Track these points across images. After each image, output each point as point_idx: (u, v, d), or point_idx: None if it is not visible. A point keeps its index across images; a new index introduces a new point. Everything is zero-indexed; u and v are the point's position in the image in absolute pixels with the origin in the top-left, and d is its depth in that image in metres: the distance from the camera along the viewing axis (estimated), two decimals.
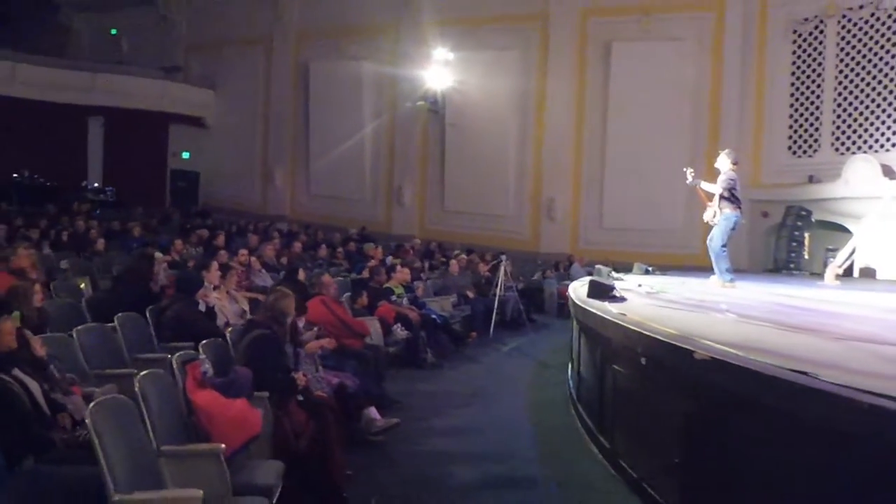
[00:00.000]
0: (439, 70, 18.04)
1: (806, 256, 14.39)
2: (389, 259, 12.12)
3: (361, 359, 6.29)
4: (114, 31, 22.55)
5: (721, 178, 8.24)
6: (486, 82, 17.97)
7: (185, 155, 22.28)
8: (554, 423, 6.36)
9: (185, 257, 10.24)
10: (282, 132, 21.75)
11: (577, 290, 7.15)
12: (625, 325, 4.72)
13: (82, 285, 8.22)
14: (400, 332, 8.24)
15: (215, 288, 6.54)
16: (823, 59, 15.45)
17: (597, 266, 9.78)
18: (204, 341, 4.45)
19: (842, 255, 11.31)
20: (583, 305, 6.11)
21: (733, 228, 8.33)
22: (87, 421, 2.75)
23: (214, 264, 6.60)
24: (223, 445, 3.28)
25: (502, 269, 11.39)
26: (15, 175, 18.33)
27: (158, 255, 9.05)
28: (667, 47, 16.78)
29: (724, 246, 8.41)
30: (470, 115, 18.48)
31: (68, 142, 19.58)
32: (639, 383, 4.62)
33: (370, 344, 6.95)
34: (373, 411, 5.53)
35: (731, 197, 8.20)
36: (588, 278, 7.41)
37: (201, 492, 2.73)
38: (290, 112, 21.56)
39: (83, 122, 20.13)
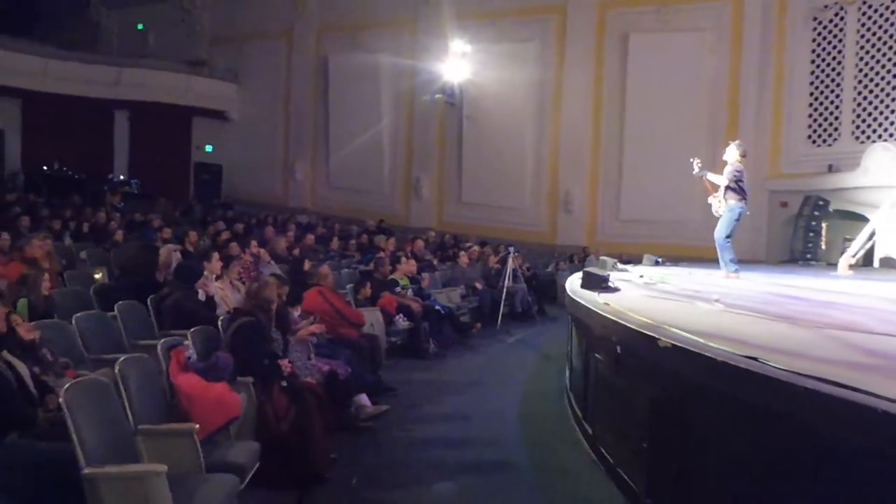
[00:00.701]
0: (457, 62, 18.11)
1: (823, 247, 14.25)
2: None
3: (356, 347, 6.46)
4: (140, 27, 23.02)
5: (727, 170, 8.25)
6: (503, 74, 18.00)
7: (209, 148, 22.71)
8: (546, 412, 6.47)
9: (201, 248, 10.50)
10: (303, 125, 22.05)
11: (573, 281, 7.24)
12: (603, 314, 4.81)
13: (98, 275, 8.50)
14: (402, 322, 8.40)
15: (218, 278, 6.76)
16: (844, 46, 15.21)
17: (602, 257, 9.83)
18: (194, 328, 4.64)
19: (855, 245, 11.16)
20: (572, 296, 6.21)
21: (738, 220, 8.37)
22: (60, 400, 2.94)
23: (215, 255, 6.82)
24: (196, 426, 3.47)
25: (510, 261, 11.49)
26: (45, 167, 18.92)
27: (169, 245, 9.34)
28: (685, 38, 16.66)
29: (728, 237, 8.45)
30: (487, 107, 18.54)
31: (95, 135, 20.16)
32: (615, 371, 4.71)
33: (367, 333, 7.12)
34: (363, 398, 5.70)
35: (736, 188, 8.20)
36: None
37: (165, 466, 2.91)
38: (311, 105, 21.84)
39: (109, 115, 20.65)
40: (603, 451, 4.89)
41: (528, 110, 18.67)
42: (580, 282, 6.67)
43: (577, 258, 16.27)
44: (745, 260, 14.77)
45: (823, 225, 14.28)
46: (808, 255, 14.04)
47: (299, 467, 4.30)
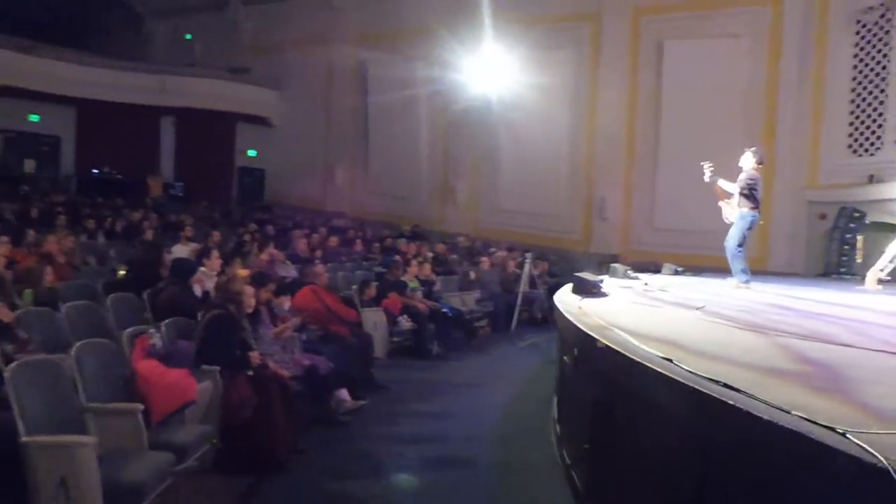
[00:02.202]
0: (492, 69, 18.17)
1: (859, 260, 13.71)
2: (429, 255, 12.42)
3: (345, 344, 6.63)
4: (188, 36, 23.89)
5: (741, 177, 8.16)
6: (538, 81, 17.96)
7: (252, 153, 23.36)
8: (531, 413, 6.52)
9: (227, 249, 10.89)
10: (342, 131, 22.45)
11: (566, 287, 7.25)
12: (568, 317, 4.86)
13: (122, 271, 8.96)
14: (405, 323, 8.55)
15: (219, 275, 7.02)
16: (889, 49, 14.61)
17: (613, 264, 9.80)
18: (168, 319, 4.90)
19: (884, 259, 10.74)
20: (555, 301, 6.24)
21: (749, 228, 8.23)
22: (5, 374, 3.20)
23: (215, 253, 7.10)
24: (140, 406, 3.71)
25: (527, 266, 11.50)
26: (95, 170, 19.89)
27: (193, 244, 9.76)
28: (721, 44, 16.35)
29: (740, 246, 8.30)
30: (522, 114, 18.52)
31: (143, 140, 20.99)
32: (573, 373, 4.76)
33: (360, 332, 7.29)
34: (343, 393, 5.86)
35: (749, 195, 8.08)
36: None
37: (94, 439, 3.14)
38: (350, 111, 22.21)
39: (156, 121, 21.49)
40: (564, 451, 4.94)
41: (562, 117, 18.60)
42: (570, 287, 6.70)
43: (604, 266, 16.10)
44: (781, 273, 14.41)
45: (859, 237, 13.77)
46: (843, 269, 13.56)
47: (258, 454, 4.49)
